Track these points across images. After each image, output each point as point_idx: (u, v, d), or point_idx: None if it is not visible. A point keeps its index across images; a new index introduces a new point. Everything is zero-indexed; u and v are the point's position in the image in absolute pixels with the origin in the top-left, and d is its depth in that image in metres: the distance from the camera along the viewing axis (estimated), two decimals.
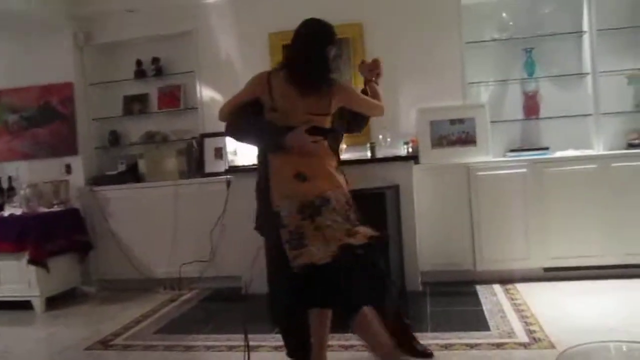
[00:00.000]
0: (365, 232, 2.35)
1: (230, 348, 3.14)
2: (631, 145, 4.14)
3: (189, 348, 3.23)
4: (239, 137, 2.71)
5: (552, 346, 2.82)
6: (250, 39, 4.65)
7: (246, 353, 2.50)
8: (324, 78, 2.46)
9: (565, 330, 3.02)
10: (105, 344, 3.42)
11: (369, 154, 4.22)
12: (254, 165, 4.31)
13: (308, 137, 2.39)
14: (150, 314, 4.01)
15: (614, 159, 3.99)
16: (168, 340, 3.40)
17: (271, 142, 2.47)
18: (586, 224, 3.94)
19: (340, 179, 2.49)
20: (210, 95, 4.81)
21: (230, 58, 4.76)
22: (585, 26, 4.17)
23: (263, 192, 2.49)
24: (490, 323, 3.23)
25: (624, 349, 0.79)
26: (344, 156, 4.25)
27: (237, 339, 3.17)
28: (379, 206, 3.76)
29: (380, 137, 4.22)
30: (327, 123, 2.50)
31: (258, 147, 2.64)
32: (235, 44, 4.74)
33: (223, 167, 4.50)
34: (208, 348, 3.21)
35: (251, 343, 3.15)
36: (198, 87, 4.83)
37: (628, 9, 4.20)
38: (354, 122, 2.77)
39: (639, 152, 3.99)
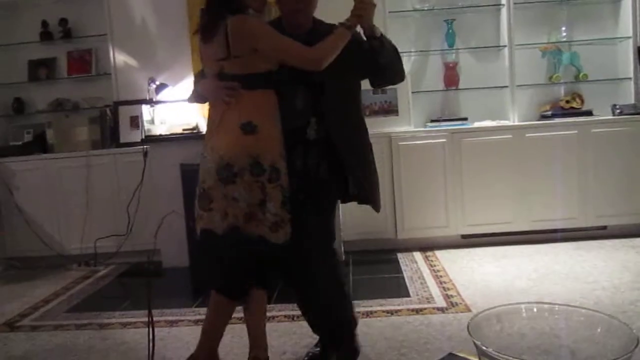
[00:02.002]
0: (264, 227, 2.04)
1: (148, 324, 3.02)
2: (543, 117, 4.32)
3: (103, 326, 3.08)
4: None
5: (468, 309, 2.92)
6: (167, 2, 4.40)
7: (150, 327, 2.32)
8: (214, 16, 2.05)
9: (480, 294, 3.14)
10: (10, 325, 3.19)
11: None
12: (172, 134, 4.19)
13: (217, 83, 2.07)
14: (62, 292, 3.79)
15: (527, 129, 4.14)
16: (81, 318, 3.23)
17: (191, 93, 2.31)
18: (500, 192, 4.09)
19: (244, 139, 2.02)
20: (124, 60, 4.53)
21: (145, 21, 4.49)
22: None
23: None
24: (410, 289, 3.30)
25: (535, 310, 0.80)
26: None
27: (156, 314, 3.07)
28: None
29: None
30: (245, 67, 2.04)
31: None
32: (150, 5, 4.48)
33: (139, 136, 4.28)
34: (124, 325, 3.07)
35: (171, 318, 3.10)
36: (111, 52, 4.54)
37: None
38: (369, 70, 2.21)
39: (551, 123, 4.17)
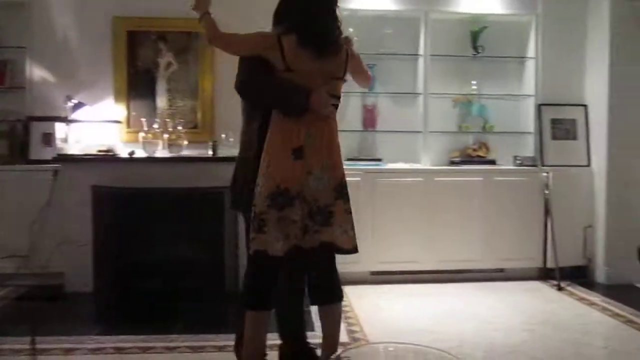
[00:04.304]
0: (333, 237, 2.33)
1: (42, 352, 2.88)
2: (452, 163, 4.58)
3: None
4: (254, 94, 2.36)
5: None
6: (92, 20, 4.32)
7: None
8: (339, 40, 2.31)
9: (382, 330, 3.25)
10: None
11: (210, 152, 4.15)
12: (86, 155, 4.07)
13: (330, 98, 2.27)
14: None
15: (437, 173, 4.39)
16: None
17: (296, 101, 2.23)
18: (410, 232, 4.27)
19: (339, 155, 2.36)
20: (41, 75, 4.38)
21: (67, 38, 4.38)
22: (421, 50, 4.53)
23: (251, 164, 2.30)
24: (316, 323, 3.34)
25: (390, 349, 0.88)
26: (188, 152, 4.18)
27: (52, 342, 2.96)
28: (217, 206, 3.77)
29: (224, 135, 4.15)
30: (340, 89, 2.38)
31: (277, 107, 2.27)
32: (75, 23, 4.37)
33: (51, 154, 4.13)
34: (16, 352, 2.91)
35: (67, 345, 2.98)
36: (28, 65, 4.38)
37: (457, 40, 4.65)
38: None
39: (459, 169, 4.45)
